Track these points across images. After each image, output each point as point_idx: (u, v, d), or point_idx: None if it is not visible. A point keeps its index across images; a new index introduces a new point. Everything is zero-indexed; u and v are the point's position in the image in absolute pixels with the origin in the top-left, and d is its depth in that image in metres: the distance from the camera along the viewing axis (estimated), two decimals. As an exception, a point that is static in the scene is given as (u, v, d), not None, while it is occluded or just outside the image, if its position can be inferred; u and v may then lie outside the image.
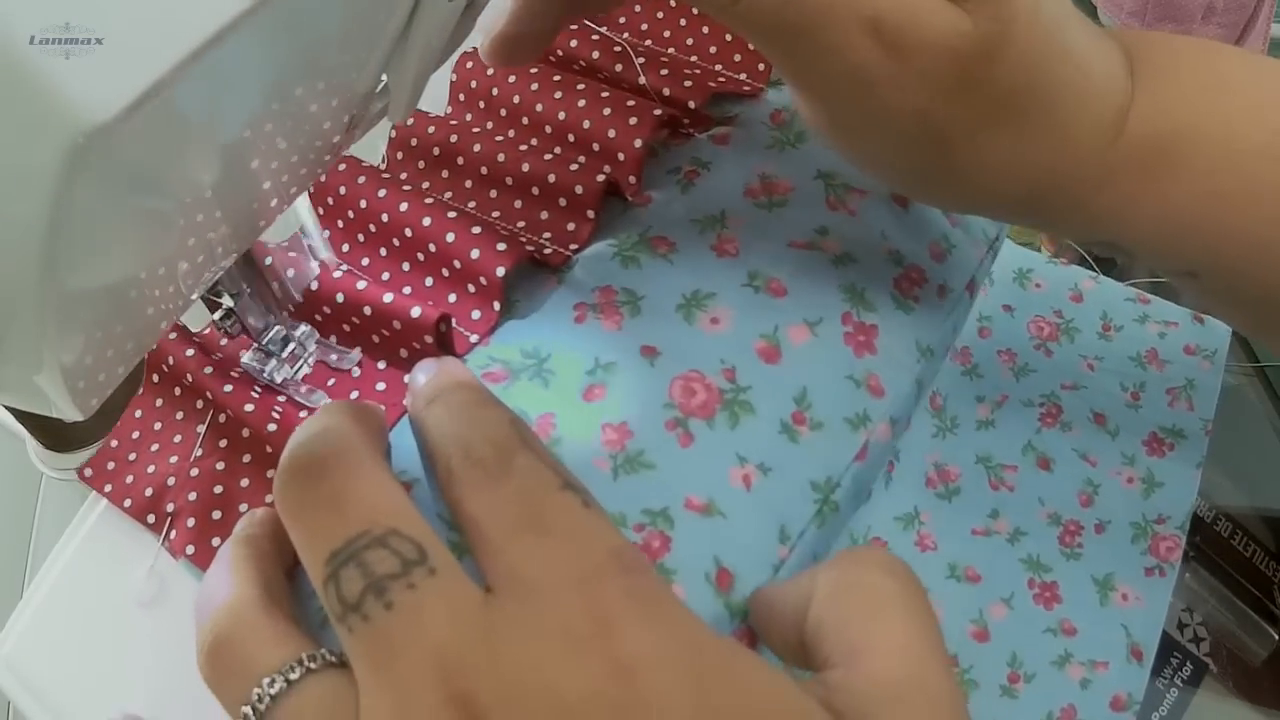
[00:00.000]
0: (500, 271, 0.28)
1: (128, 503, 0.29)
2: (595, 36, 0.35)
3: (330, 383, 0.29)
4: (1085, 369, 0.42)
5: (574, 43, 0.35)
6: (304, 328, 0.29)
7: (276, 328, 0.28)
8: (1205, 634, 0.42)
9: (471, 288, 0.29)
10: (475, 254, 0.29)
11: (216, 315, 0.26)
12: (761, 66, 0.35)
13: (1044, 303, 0.44)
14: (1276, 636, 0.42)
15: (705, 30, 0.36)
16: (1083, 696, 0.36)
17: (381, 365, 0.29)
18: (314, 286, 0.29)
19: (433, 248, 0.30)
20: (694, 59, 0.36)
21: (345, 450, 0.20)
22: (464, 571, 0.18)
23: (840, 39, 0.22)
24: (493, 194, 0.32)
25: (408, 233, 0.30)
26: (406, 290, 0.30)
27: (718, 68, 0.35)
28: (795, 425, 0.26)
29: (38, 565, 0.30)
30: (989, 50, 0.22)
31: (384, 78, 0.23)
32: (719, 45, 0.36)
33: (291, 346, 0.29)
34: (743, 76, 0.34)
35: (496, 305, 0.29)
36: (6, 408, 0.38)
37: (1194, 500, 0.40)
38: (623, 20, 0.37)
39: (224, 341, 0.30)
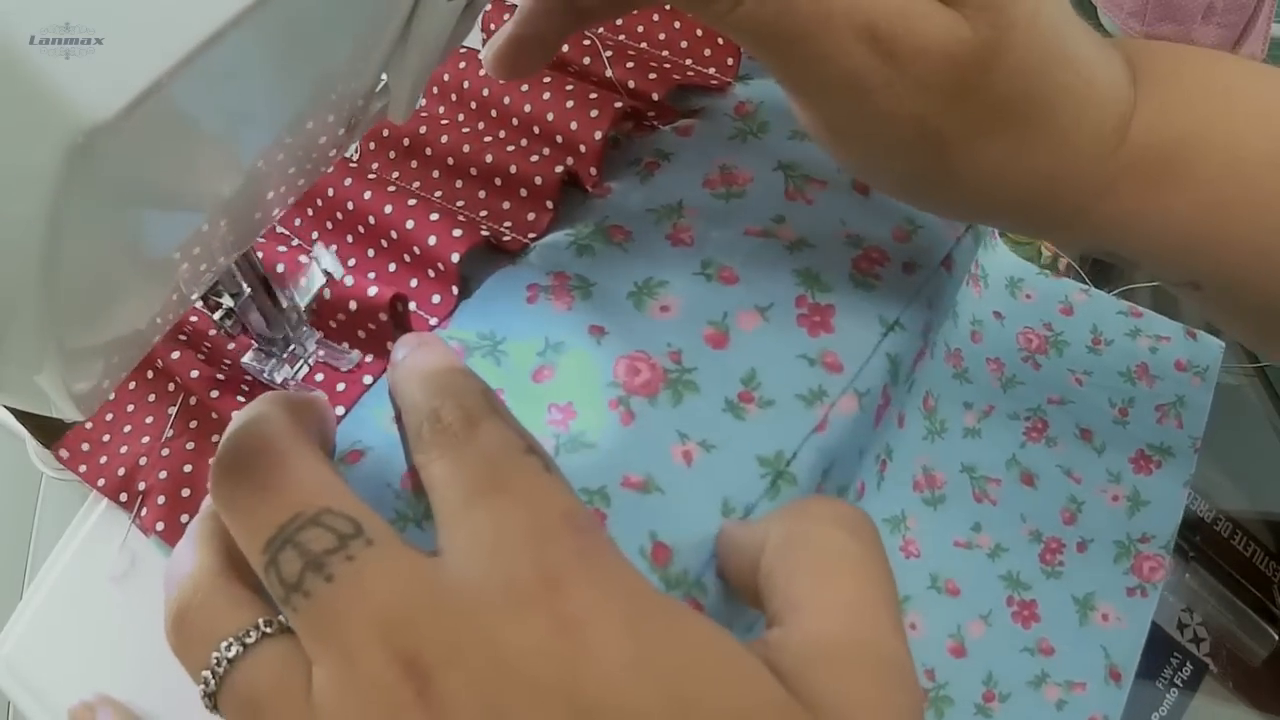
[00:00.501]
0: (455, 257, 0.29)
1: (101, 482, 0.29)
2: None
3: (319, 378, 0.29)
4: (1073, 383, 0.41)
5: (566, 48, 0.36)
6: (304, 328, 0.29)
7: (276, 327, 0.28)
8: (1205, 634, 0.42)
9: (431, 273, 0.30)
10: (432, 240, 0.30)
11: (216, 315, 0.27)
12: (730, 61, 0.35)
13: (1034, 314, 0.43)
14: (1276, 636, 0.42)
15: (677, 25, 0.37)
16: (1059, 718, 0.36)
17: (369, 358, 0.30)
18: (280, 269, 0.30)
19: (394, 234, 0.31)
20: (665, 53, 0.37)
21: (271, 440, 0.20)
22: (405, 540, 0.18)
23: (835, 46, 0.22)
24: (458, 184, 0.33)
25: (371, 220, 0.31)
26: (371, 275, 0.31)
27: (688, 62, 0.36)
28: (742, 403, 0.26)
29: (38, 565, 0.30)
30: (986, 57, 0.22)
31: (384, 77, 0.23)
32: (690, 40, 0.36)
33: (291, 346, 0.29)
34: (711, 71, 0.35)
35: (454, 289, 0.30)
36: (6, 408, 0.38)
37: (1179, 520, 0.39)
38: None
39: (231, 346, 0.30)
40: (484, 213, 0.32)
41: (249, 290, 0.27)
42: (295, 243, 0.33)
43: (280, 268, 0.29)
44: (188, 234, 0.20)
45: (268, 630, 0.18)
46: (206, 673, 0.18)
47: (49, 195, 0.14)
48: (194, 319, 0.31)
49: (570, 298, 0.28)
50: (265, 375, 0.29)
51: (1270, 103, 0.24)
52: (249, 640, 0.18)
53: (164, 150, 0.16)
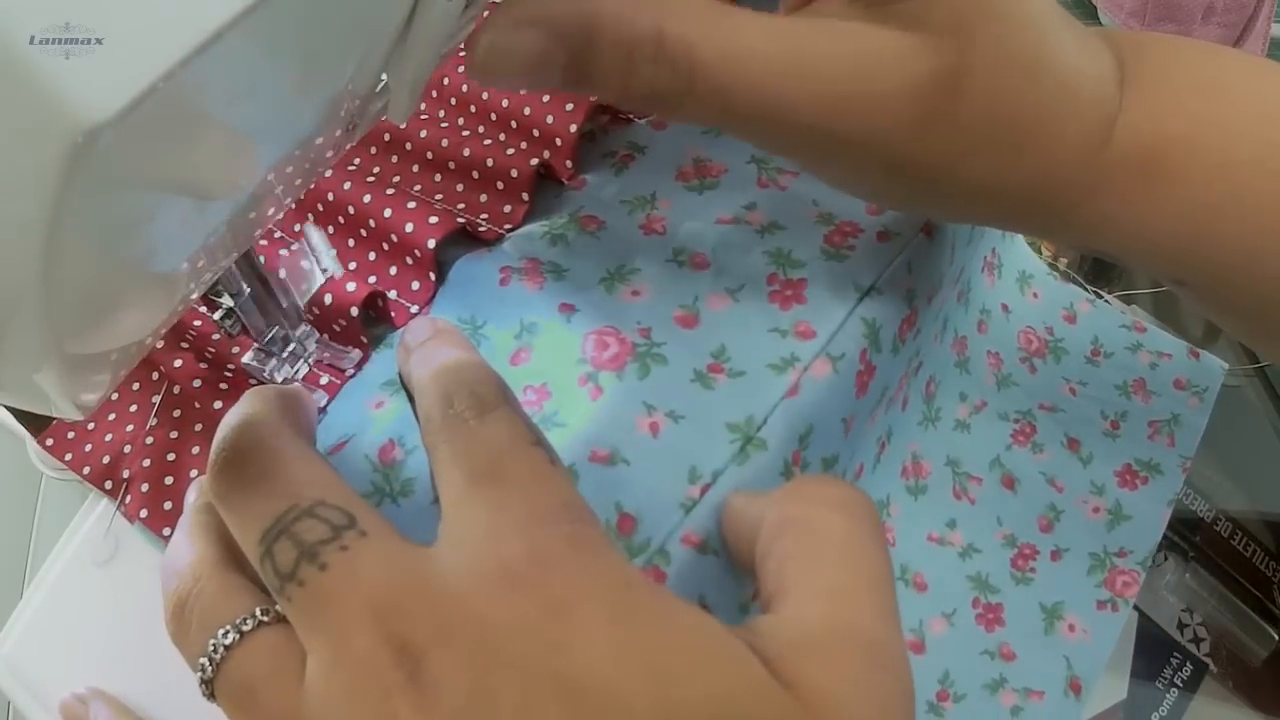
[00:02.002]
0: (431, 243, 0.30)
1: (86, 469, 0.30)
2: None
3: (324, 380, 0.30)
4: (1066, 392, 0.41)
5: None
6: (304, 328, 0.29)
7: (276, 328, 0.28)
8: (1205, 634, 0.42)
9: (409, 260, 0.31)
10: (410, 227, 0.30)
11: (216, 315, 0.27)
12: None
13: (1037, 315, 0.43)
14: (1276, 636, 0.42)
15: None
16: None
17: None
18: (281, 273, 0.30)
19: (372, 223, 0.31)
20: None
21: (265, 434, 0.20)
22: (399, 532, 0.19)
23: (796, 118, 0.22)
24: (437, 178, 0.34)
25: (351, 210, 0.32)
26: (352, 265, 0.32)
27: None
28: (711, 374, 0.26)
29: (38, 565, 0.30)
30: (952, 83, 0.22)
31: (384, 77, 0.23)
32: None
33: (291, 346, 0.29)
34: None
35: (432, 276, 0.30)
36: (6, 408, 0.38)
37: (1159, 538, 0.39)
38: None
39: (234, 349, 0.30)
40: (461, 205, 0.33)
41: (249, 290, 0.27)
42: (295, 246, 0.33)
43: (283, 273, 0.29)
44: (188, 234, 0.20)
45: (264, 619, 0.19)
46: (204, 660, 0.19)
47: (49, 195, 0.14)
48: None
49: (542, 279, 0.29)
50: (265, 375, 0.29)
51: (1265, 104, 0.24)
52: (245, 628, 0.18)
53: (164, 150, 0.16)
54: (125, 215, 0.17)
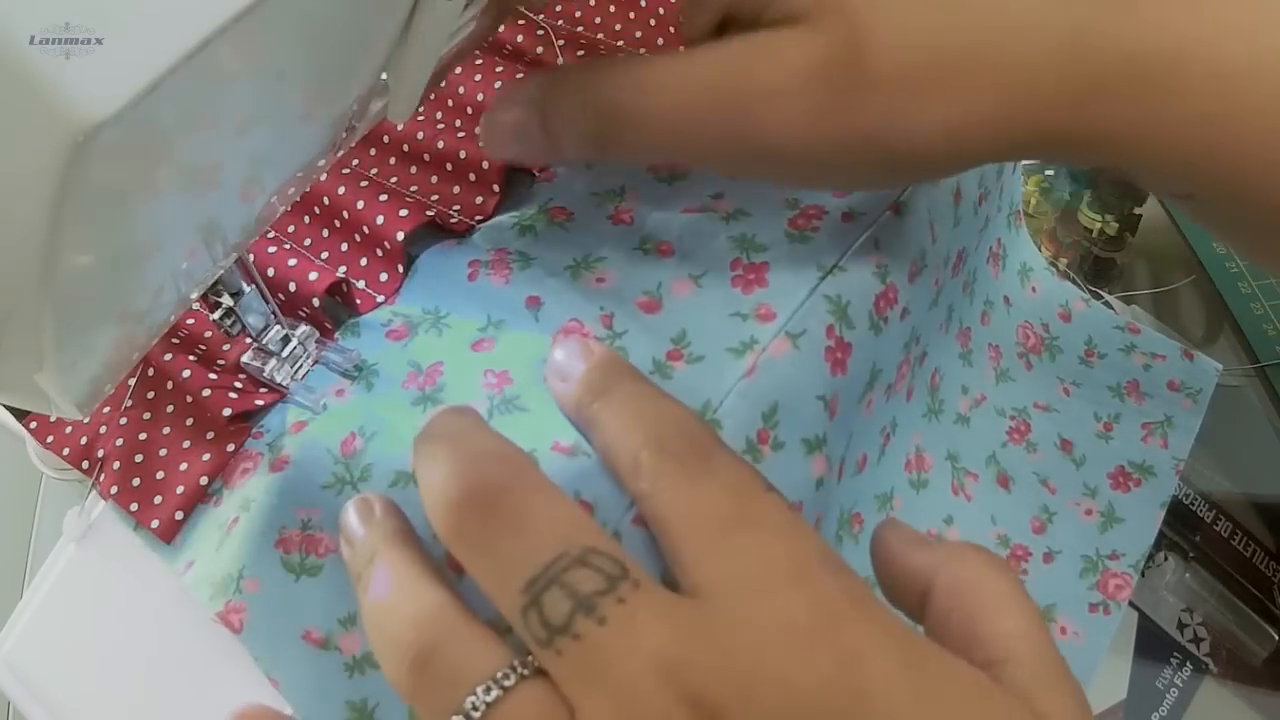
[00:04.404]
0: (400, 235, 0.31)
1: (66, 451, 0.30)
2: (522, 21, 0.38)
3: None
4: (1060, 392, 0.41)
5: (501, 28, 0.37)
6: (304, 328, 0.29)
7: (276, 327, 0.28)
8: (1205, 634, 0.42)
9: (379, 252, 0.31)
10: (380, 220, 0.31)
11: (216, 315, 0.27)
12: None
13: (1034, 311, 0.42)
14: (1276, 636, 0.42)
15: (632, 15, 0.38)
16: None
17: None
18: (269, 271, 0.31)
19: (345, 214, 0.32)
20: (619, 43, 0.38)
21: (515, 468, 0.19)
22: (660, 583, 0.18)
23: (712, 130, 0.23)
24: (412, 170, 0.34)
25: (326, 201, 0.32)
26: (324, 255, 0.32)
27: (641, 51, 0.37)
28: (669, 362, 0.26)
29: (38, 565, 0.30)
30: (849, 56, 0.22)
31: (384, 77, 0.23)
32: (643, 29, 0.38)
33: (292, 346, 0.29)
34: None
35: (400, 267, 0.31)
36: (6, 408, 0.38)
37: (1152, 541, 0.38)
38: (558, 8, 0.39)
39: (226, 347, 0.30)
40: (435, 196, 0.33)
41: (248, 289, 0.27)
42: (288, 245, 0.33)
43: (271, 271, 0.29)
44: (188, 233, 0.20)
45: (525, 672, 0.18)
46: (459, 717, 0.17)
47: (49, 195, 0.14)
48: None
49: (509, 270, 0.29)
50: (265, 375, 0.29)
51: (1258, 5, 0.23)
52: (508, 683, 0.18)
53: (164, 150, 0.16)
54: (125, 215, 0.17)
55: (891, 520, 0.24)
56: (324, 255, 0.32)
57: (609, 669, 0.17)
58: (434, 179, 0.34)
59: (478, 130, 0.27)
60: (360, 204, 0.32)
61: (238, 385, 0.29)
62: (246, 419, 0.29)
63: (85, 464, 0.30)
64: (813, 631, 0.17)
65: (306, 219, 0.33)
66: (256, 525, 0.26)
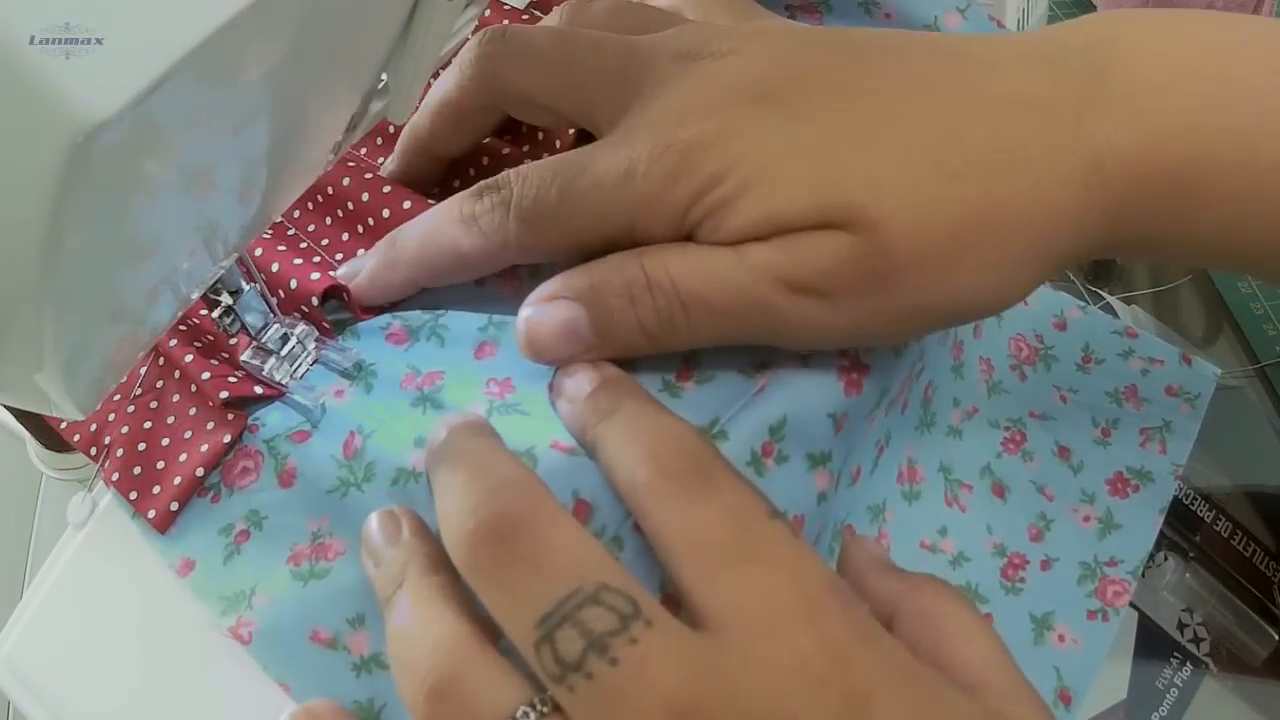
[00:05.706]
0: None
1: (77, 438, 0.30)
2: (507, 6, 0.37)
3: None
4: (1057, 400, 0.41)
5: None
6: (303, 327, 0.29)
7: (275, 326, 0.28)
8: (1205, 634, 0.42)
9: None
10: (386, 213, 0.30)
11: (216, 314, 0.27)
12: None
13: (1028, 322, 0.42)
14: (1276, 636, 0.42)
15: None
16: None
17: None
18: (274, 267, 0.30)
19: (350, 205, 0.32)
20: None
21: (533, 502, 0.20)
22: (673, 617, 0.18)
23: (765, 319, 0.23)
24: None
25: (330, 190, 0.32)
26: (324, 242, 0.32)
27: None
28: (679, 382, 0.26)
29: (38, 565, 0.30)
30: (877, 247, 0.22)
31: (384, 77, 0.23)
32: None
33: (291, 345, 0.29)
34: None
35: None
36: (6, 408, 0.38)
37: (1150, 547, 0.38)
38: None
39: (233, 341, 0.30)
40: (435, 190, 0.33)
41: (248, 288, 0.27)
42: (291, 231, 0.33)
43: (275, 266, 0.29)
44: (188, 234, 0.20)
45: (544, 710, 0.18)
46: None
47: (49, 195, 0.14)
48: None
49: (518, 281, 0.29)
50: (265, 373, 0.29)
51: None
52: None
53: (164, 150, 0.16)
54: (125, 215, 0.17)
55: (858, 539, 0.24)
56: (324, 242, 0.32)
57: (621, 710, 0.17)
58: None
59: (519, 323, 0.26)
60: (365, 195, 0.31)
61: (237, 375, 0.29)
62: (244, 406, 0.29)
63: (93, 450, 0.30)
64: (821, 670, 0.17)
65: (310, 205, 0.33)
66: (269, 545, 0.26)
